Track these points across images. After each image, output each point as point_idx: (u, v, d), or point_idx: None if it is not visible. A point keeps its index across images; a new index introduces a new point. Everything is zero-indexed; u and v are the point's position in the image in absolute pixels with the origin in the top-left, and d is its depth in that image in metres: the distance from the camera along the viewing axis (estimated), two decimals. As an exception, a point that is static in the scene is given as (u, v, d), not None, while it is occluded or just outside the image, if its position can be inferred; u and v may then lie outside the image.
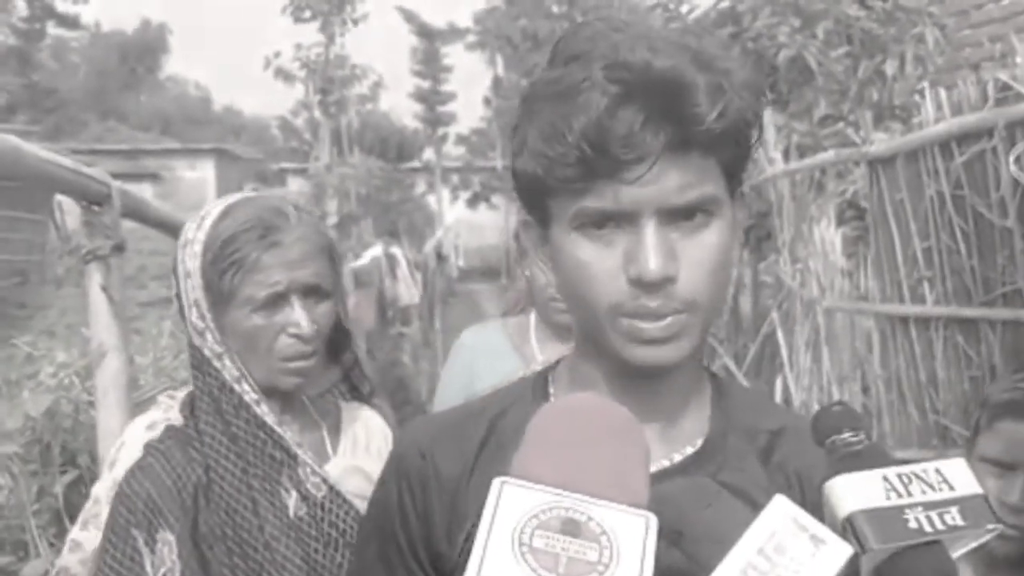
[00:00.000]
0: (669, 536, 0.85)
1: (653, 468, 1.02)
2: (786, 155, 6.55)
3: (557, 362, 1.16)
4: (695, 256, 0.96)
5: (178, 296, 1.59)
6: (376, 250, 10.57)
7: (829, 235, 5.65)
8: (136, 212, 3.06)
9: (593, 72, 0.93)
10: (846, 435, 0.90)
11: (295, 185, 24.83)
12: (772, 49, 7.26)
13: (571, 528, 0.75)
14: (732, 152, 0.98)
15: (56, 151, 2.48)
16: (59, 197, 2.66)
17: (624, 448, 0.84)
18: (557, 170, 0.94)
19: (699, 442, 1.07)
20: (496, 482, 0.78)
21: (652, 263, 0.93)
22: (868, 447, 0.90)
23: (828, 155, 5.54)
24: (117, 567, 1.46)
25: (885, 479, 0.84)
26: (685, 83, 0.92)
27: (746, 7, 7.56)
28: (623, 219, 0.95)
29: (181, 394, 1.72)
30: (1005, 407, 1.78)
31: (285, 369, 1.55)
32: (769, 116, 6.70)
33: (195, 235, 1.56)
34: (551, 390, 1.12)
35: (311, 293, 1.56)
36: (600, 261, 0.96)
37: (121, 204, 2.72)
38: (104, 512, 1.60)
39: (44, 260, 13.79)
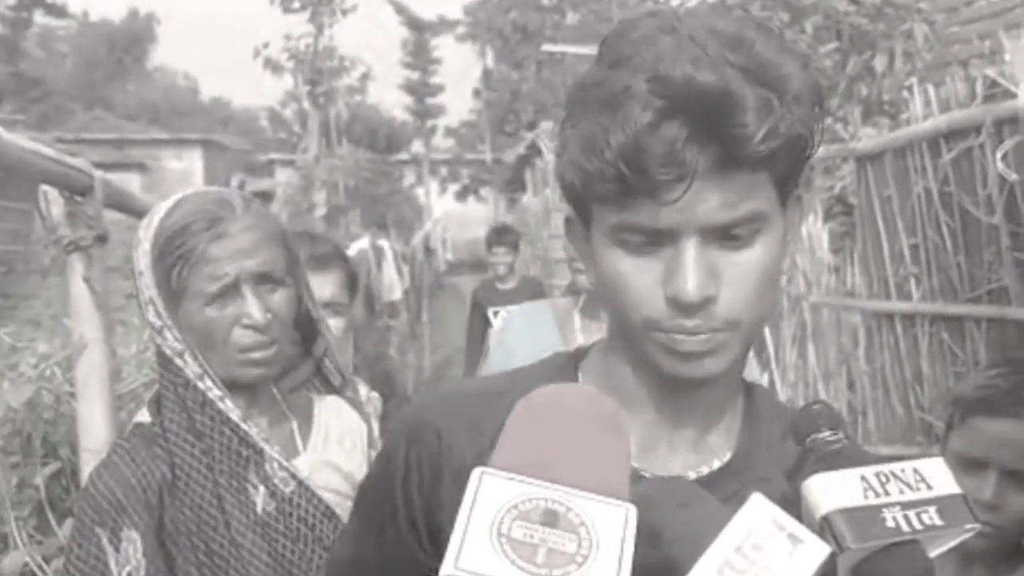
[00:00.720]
0: (647, 537, 0.84)
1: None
2: (774, 150, 6.55)
3: (588, 349, 1.13)
4: (739, 275, 0.92)
5: (137, 295, 1.57)
6: (363, 242, 10.54)
7: (816, 231, 5.67)
8: (119, 202, 3.04)
9: (636, 83, 0.88)
10: (825, 434, 0.90)
11: (283, 176, 24.73)
12: (761, 44, 7.25)
13: (550, 519, 0.74)
14: (784, 165, 0.92)
15: (42, 140, 2.46)
16: (45, 186, 2.66)
17: (606, 439, 0.83)
18: (595, 185, 0.91)
19: (727, 456, 1.04)
20: (475, 472, 0.78)
21: (691, 284, 0.89)
22: (846, 447, 0.90)
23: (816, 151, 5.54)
24: (81, 566, 1.45)
25: (863, 478, 0.84)
26: (730, 100, 0.86)
27: (736, 1, 7.56)
28: (664, 235, 0.91)
29: None
30: (977, 403, 1.77)
31: (244, 360, 1.53)
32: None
33: (145, 233, 1.54)
34: (580, 380, 1.09)
35: (263, 282, 1.53)
36: (638, 276, 0.93)
37: (104, 194, 2.70)
38: None
39: (29, 250, 13.73)
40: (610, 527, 0.75)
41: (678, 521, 0.83)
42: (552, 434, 0.82)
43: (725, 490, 0.99)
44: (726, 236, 0.91)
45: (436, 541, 1.04)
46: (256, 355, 1.53)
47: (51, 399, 3.59)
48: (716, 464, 1.04)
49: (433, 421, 1.07)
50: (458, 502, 1.01)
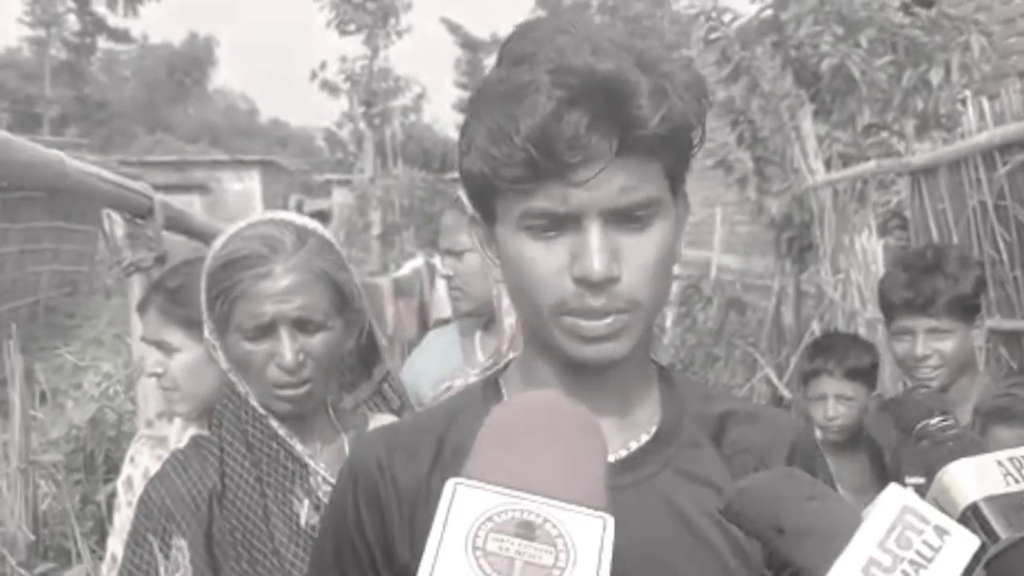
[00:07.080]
0: (768, 532, 0.80)
1: (611, 458, 1.02)
2: (828, 165, 6.49)
3: (507, 364, 1.18)
4: (638, 257, 0.99)
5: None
6: (417, 261, 10.63)
7: (871, 245, 5.60)
8: (179, 224, 3.12)
9: (539, 75, 0.94)
10: (937, 420, 0.88)
11: (340, 196, 24.97)
12: (815, 58, 7.18)
13: (526, 531, 0.72)
14: (674, 154, 1.00)
15: (106, 164, 2.54)
16: (108, 209, 2.73)
17: (581, 447, 0.82)
18: (503, 170, 0.96)
19: (653, 429, 1.09)
20: (449, 483, 0.75)
21: (596, 263, 0.95)
22: (965, 430, 0.86)
23: (870, 165, 5.49)
24: (135, 571, 1.52)
25: (999, 464, 0.81)
26: (628, 87, 0.94)
27: (789, 16, 7.50)
28: (568, 220, 0.97)
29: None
30: (996, 414, 1.77)
31: (276, 396, 1.57)
32: (811, 125, 6.65)
33: (209, 254, 1.60)
34: (503, 391, 1.13)
35: (302, 324, 1.55)
36: (545, 260, 0.99)
37: (164, 217, 2.77)
38: (123, 499, 1.84)
39: (93, 271, 14.01)
40: (587, 538, 0.73)
41: (805, 514, 0.79)
42: (527, 442, 0.80)
43: (658, 459, 1.06)
44: (626, 219, 0.98)
45: (397, 571, 1.05)
46: (286, 393, 1.56)
47: (113, 417, 3.68)
48: (644, 437, 1.08)
49: (372, 455, 1.10)
50: (408, 526, 1.03)
